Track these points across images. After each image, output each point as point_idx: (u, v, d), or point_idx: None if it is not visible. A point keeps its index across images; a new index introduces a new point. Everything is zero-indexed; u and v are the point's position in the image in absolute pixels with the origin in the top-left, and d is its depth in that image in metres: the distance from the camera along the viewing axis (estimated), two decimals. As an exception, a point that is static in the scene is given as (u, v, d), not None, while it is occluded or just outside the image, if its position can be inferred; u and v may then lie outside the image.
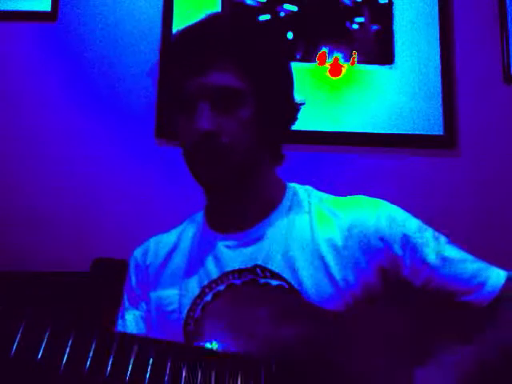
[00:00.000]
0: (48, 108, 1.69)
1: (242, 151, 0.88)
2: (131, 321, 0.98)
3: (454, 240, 0.92)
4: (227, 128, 0.86)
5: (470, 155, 1.69)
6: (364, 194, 0.98)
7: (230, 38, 0.88)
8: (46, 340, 0.68)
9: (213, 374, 0.71)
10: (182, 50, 0.90)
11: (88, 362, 0.68)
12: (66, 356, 0.68)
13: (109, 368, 0.68)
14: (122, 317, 1.00)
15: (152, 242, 1.04)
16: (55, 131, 1.68)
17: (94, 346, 0.69)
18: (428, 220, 0.93)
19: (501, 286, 0.84)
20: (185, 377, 0.70)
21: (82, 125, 1.68)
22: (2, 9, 1.71)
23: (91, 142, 1.68)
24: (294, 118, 0.98)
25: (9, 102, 1.68)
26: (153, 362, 0.70)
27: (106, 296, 1.15)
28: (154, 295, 0.97)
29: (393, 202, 0.96)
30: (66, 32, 1.72)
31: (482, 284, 0.84)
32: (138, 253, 1.04)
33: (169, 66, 0.94)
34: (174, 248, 1.00)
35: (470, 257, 0.88)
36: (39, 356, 0.67)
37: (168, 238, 1.03)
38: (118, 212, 1.62)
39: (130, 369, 0.69)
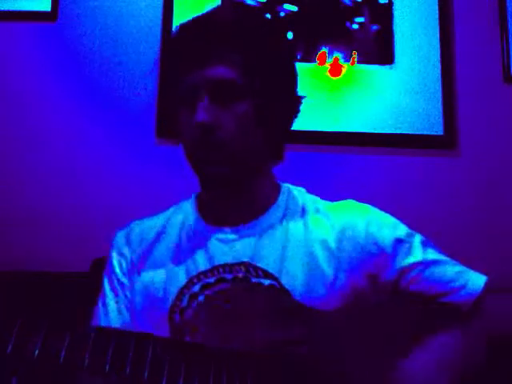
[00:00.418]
0: (48, 108, 1.69)
1: (239, 146, 0.87)
2: (113, 309, 0.96)
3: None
4: (225, 122, 0.86)
5: (470, 155, 1.69)
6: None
7: (232, 30, 0.87)
8: (42, 339, 0.68)
9: (211, 373, 0.71)
10: (184, 43, 0.90)
11: (86, 360, 0.68)
12: (62, 355, 0.68)
13: (107, 366, 0.69)
14: (104, 305, 0.97)
15: (135, 227, 1.02)
16: (55, 131, 1.68)
17: (90, 344, 0.69)
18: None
19: (481, 289, 0.85)
20: (183, 375, 0.70)
21: (82, 125, 1.68)
22: (2, 9, 1.71)
23: (91, 141, 1.68)
24: (294, 116, 0.97)
25: (9, 102, 1.68)
26: (151, 358, 0.70)
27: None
28: (139, 281, 0.95)
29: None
30: (65, 32, 1.72)
31: (463, 286, 0.86)
32: (120, 239, 1.02)
33: (170, 59, 0.94)
34: (160, 234, 0.99)
35: (451, 260, 0.90)
36: (36, 355, 0.67)
37: (153, 223, 1.01)
38: (119, 212, 1.62)
39: (129, 365, 0.69)
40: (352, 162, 1.67)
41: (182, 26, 0.91)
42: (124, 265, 0.99)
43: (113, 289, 0.98)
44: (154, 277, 0.94)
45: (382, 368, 0.77)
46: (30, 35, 1.72)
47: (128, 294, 0.97)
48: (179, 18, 1.69)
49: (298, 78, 0.96)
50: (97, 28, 1.73)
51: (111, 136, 1.68)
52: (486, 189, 1.66)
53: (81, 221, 1.61)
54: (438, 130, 1.68)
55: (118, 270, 0.99)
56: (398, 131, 1.68)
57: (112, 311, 0.96)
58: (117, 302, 0.97)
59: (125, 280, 0.98)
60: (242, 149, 0.88)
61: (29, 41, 1.72)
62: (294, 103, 0.96)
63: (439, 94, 1.69)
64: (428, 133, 1.68)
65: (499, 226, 1.64)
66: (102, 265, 1.40)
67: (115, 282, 0.99)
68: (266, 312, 0.79)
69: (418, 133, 1.68)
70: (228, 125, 0.86)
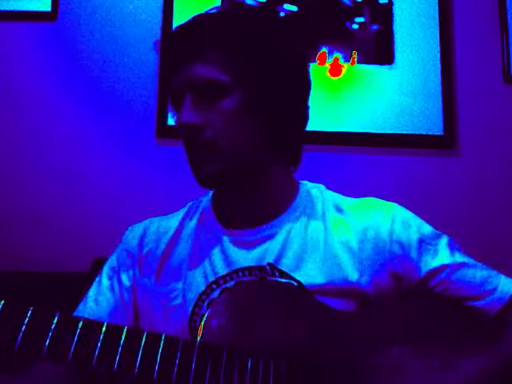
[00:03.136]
0: (48, 108, 1.69)
1: (230, 143, 0.85)
2: (105, 309, 0.93)
3: (453, 239, 0.92)
4: (212, 120, 0.84)
5: (469, 155, 1.69)
6: (363, 194, 0.98)
7: (210, 29, 0.87)
8: (51, 333, 0.68)
9: (221, 372, 0.71)
10: (170, 46, 0.91)
11: (95, 357, 0.69)
12: (72, 349, 0.68)
13: (116, 361, 0.69)
14: (97, 302, 0.94)
15: (151, 227, 1.00)
16: (55, 131, 1.68)
17: (101, 340, 0.69)
18: (428, 220, 0.93)
19: (510, 294, 0.84)
20: (193, 373, 0.70)
21: (82, 125, 1.68)
22: (2, 9, 1.71)
23: (91, 141, 1.68)
24: (296, 115, 0.93)
25: (9, 102, 1.68)
26: (161, 355, 0.70)
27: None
28: (157, 287, 0.93)
29: (393, 202, 0.96)
30: (65, 32, 1.72)
31: (492, 290, 0.85)
32: (132, 236, 0.99)
33: (161, 63, 0.95)
34: (177, 236, 0.97)
35: (479, 264, 0.89)
36: (44, 350, 0.68)
37: (168, 224, 0.99)
38: (119, 212, 1.62)
39: (138, 361, 0.69)
40: (352, 162, 1.67)
41: (167, 35, 0.92)
42: (131, 268, 0.96)
43: (111, 289, 0.96)
44: (171, 283, 0.92)
45: (400, 370, 0.75)
46: (30, 35, 1.72)
47: (127, 297, 0.94)
48: (179, 18, 1.69)
49: (303, 67, 0.93)
50: (97, 28, 1.73)
51: (111, 136, 1.68)
52: (486, 189, 1.67)
53: (81, 221, 1.61)
54: (438, 130, 1.68)
55: (123, 272, 0.96)
56: (398, 131, 1.68)
57: (103, 311, 0.93)
58: (110, 302, 0.94)
59: (128, 283, 0.96)
60: (234, 145, 0.86)
61: (29, 41, 1.72)
62: (290, 95, 0.90)
63: (439, 94, 1.69)
64: (428, 133, 1.68)
65: (499, 225, 1.64)
66: (102, 265, 1.41)
67: (116, 285, 0.96)
68: (282, 310, 0.78)
69: (418, 133, 1.68)
70: (215, 123, 0.85)
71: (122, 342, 0.70)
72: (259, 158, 0.90)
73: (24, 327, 0.68)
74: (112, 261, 1.00)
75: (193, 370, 0.70)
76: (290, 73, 0.90)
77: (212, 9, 0.92)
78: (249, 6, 0.98)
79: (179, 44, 0.88)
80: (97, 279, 0.99)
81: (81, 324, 0.70)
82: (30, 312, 0.69)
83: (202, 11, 0.92)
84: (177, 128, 0.88)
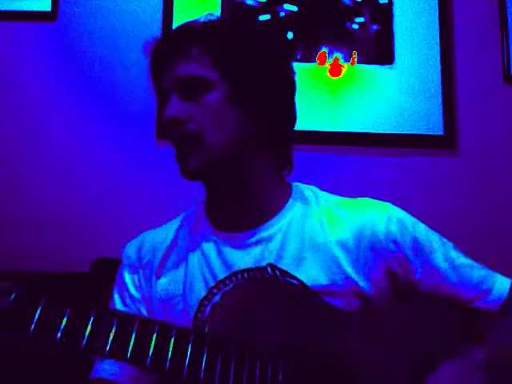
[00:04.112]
0: (48, 108, 1.69)
1: (214, 136, 0.86)
2: None
3: (453, 240, 0.92)
4: (195, 115, 0.86)
5: (469, 155, 1.69)
6: (363, 194, 0.98)
7: (193, 29, 0.89)
8: (65, 321, 0.69)
9: (231, 367, 0.71)
10: (154, 53, 0.93)
11: (108, 346, 0.69)
12: (85, 338, 0.69)
13: (130, 350, 0.69)
14: None
15: (146, 238, 1.01)
16: (55, 131, 1.68)
17: (114, 329, 0.70)
18: (428, 220, 0.93)
19: (507, 293, 0.85)
20: (204, 366, 0.70)
21: (82, 125, 1.68)
22: (2, 9, 1.71)
23: (91, 142, 1.67)
24: (280, 113, 0.93)
25: (9, 102, 1.68)
26: (174, 344, 0.70)
27: (106, 296, 1.15)
28: (155, 296, 0.94)
29: (393, 203, 0.96)
30: (65, 32, 1.72)
31: (490, 290, 0.85)
32: (131, 251, 1.01)
33: (150, 73, 0.96)
34: (173, 244, 0.97)
35: (474, 263, 0.89)
36: (58, 336, 0.68)
37: (164, 234, 1.00)
38: (118, 212, 1.62)
39: (151, 352, 0.69)
40: (352, 162, 1.67)
41: (152, 40, 0.94)
42: (137, 279, 0.98)
43: (125, 304, 0.97)
44: (171, 291, 0.92)
45: (402, 370, 0.75)
46: (30, 35, 1.72)
47: (144, 310, 0.95)
48: (179, 17, 1.69)
49: (297, 78, 0.94)
50: (97, 28, 1.73)
51: (111, 137, 1.68)
52: (486, 189, 1.67)
53: (81, 221, 1.61)
54: (438, 130, 1.68)
55: (130, 286, 0.98)
56: (398, 131, 1.68)
57: None
58: None
59: (138, 295, 0.97)
60: (217, 139, 0.86)
61: (29, 41, 1.71)
62: (270, 91, 0.90)
63: (439, 94, 1.69)
64: (428, 133, 1.68)
65: (499, 225, 1.64)
66: (101, 265, 1.41)
67: (127, 299, 0.97)
68: (285, 308, 0.78)
69: (418, 133, 1.68)
70: (198, 117, 0.86)
71: (134, 332, 0.70)
72: (244, 155, 0.90)
73: (35, 320, 0.69)
74: (119, 280, 1.01)
75: (204, 363, 0.70)
76: (269, 68, 0.91)
77: (197, 18, 0.94)
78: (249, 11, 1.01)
79: (164, 45, 0.91)
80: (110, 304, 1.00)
81: (93, 313, 0.70)
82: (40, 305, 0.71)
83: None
84: (163, 127, 0.89)
